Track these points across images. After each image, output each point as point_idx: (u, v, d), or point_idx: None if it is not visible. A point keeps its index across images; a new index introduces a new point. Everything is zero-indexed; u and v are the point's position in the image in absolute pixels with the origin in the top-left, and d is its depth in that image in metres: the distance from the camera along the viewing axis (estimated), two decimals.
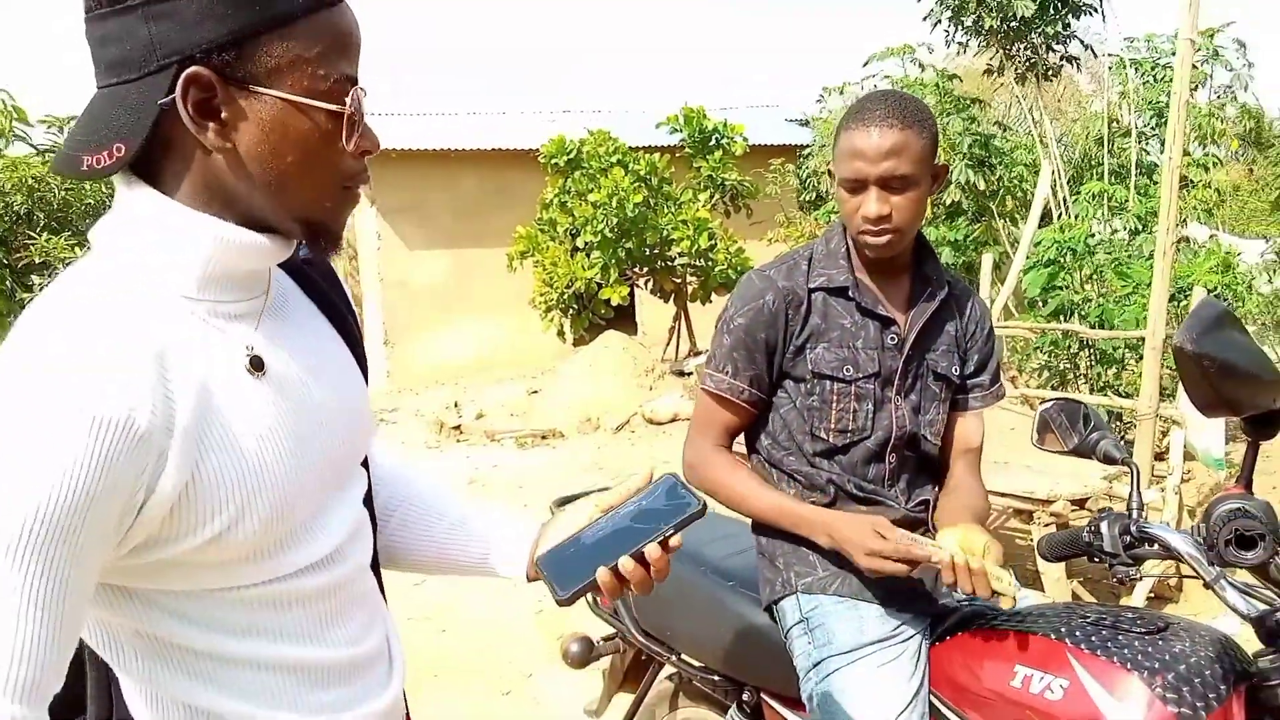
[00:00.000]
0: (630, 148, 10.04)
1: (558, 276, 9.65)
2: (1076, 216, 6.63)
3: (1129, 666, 1.36)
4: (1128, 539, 1.46)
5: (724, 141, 10.42)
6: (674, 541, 1.06)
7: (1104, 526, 1.48)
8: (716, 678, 1.97)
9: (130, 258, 0.87)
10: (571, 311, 9.91)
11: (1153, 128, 6.67)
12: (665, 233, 9.55)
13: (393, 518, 1.20)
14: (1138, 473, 1.51)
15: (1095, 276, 5.48)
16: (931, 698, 1.59)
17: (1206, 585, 1.37)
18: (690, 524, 1.06)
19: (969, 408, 1.77)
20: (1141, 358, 4.15)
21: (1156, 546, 1.45)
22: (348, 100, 0.88)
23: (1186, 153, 6.82)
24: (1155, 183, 6.79)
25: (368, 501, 1.09)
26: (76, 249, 7.02)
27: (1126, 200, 6.48)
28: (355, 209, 0.99)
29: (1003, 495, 3.66)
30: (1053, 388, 5.25)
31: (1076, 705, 1.37)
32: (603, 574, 1.03)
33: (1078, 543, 1.54)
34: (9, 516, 0.74)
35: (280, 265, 1.01)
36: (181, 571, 0.86)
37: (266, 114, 0.86)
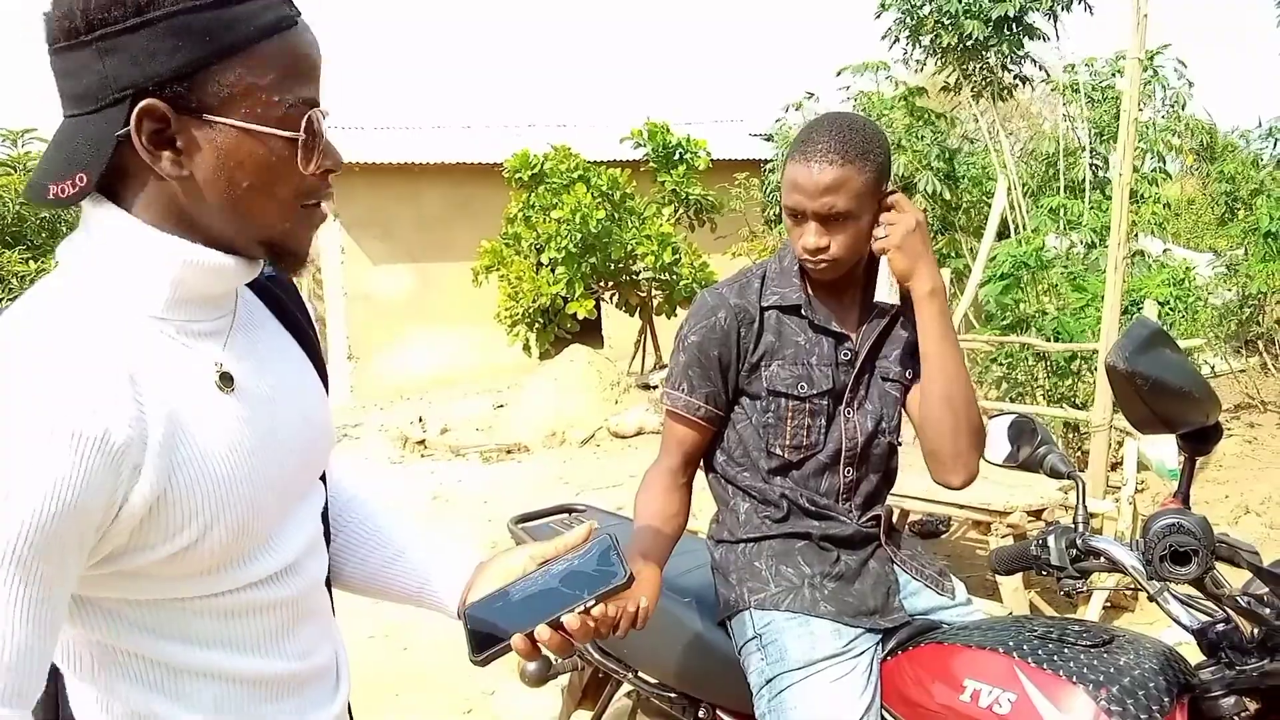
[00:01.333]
0: (594, 162, 10.06)
1: (523, 291, 9.64)
2: (1034, 231, 6.74)
3: (1074, 680, 1.37)
4: (1074, 552, 1.47)
5: (687, 156, 10.49)
6: (595, 611, 1.07)
7: (1051, 540, 1.49)
8: (673, 695, 1.96)
9: (98, 277, 0.88)
10: (537, 326, 9.89)
11: (1098, 145, 6.82)
12: (630, 247, 9.58)
13: (338, 537, 1.20)
14: (1083, 486, 1.52)
15: (1051, 290, 5.57)
16: (884, 713, 1.60)
17: (1150, 598, 1.39)
18: (613, 595, 1.06)
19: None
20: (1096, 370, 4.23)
21: (1102, 560, 1.46)
22: (302, 124, 0.89)
23: (1136, 168, 6.97)
24: (1108, 197, 6.93)
25: (325, 516, 1.10)
26: (30, 263, 6.89)
27: (1082, 215, 6.60)
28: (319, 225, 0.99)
29: (961, 507, 3.69)
30: (1010, 400, 5.32)
31: (1024, 716, 1.39)
32: (518, 640, 1.05)
33: (1026, 556, 1.55)
34: (20, 535, 0.76)
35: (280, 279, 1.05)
36: (143, 582, 0.88)
37: (221, 141, 0.87)
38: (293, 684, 1.01)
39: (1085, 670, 1.38)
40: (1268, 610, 1.20)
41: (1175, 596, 1.38)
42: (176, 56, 0.83)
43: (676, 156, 10.52)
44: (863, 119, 1.68)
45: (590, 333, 11.47)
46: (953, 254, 8.31)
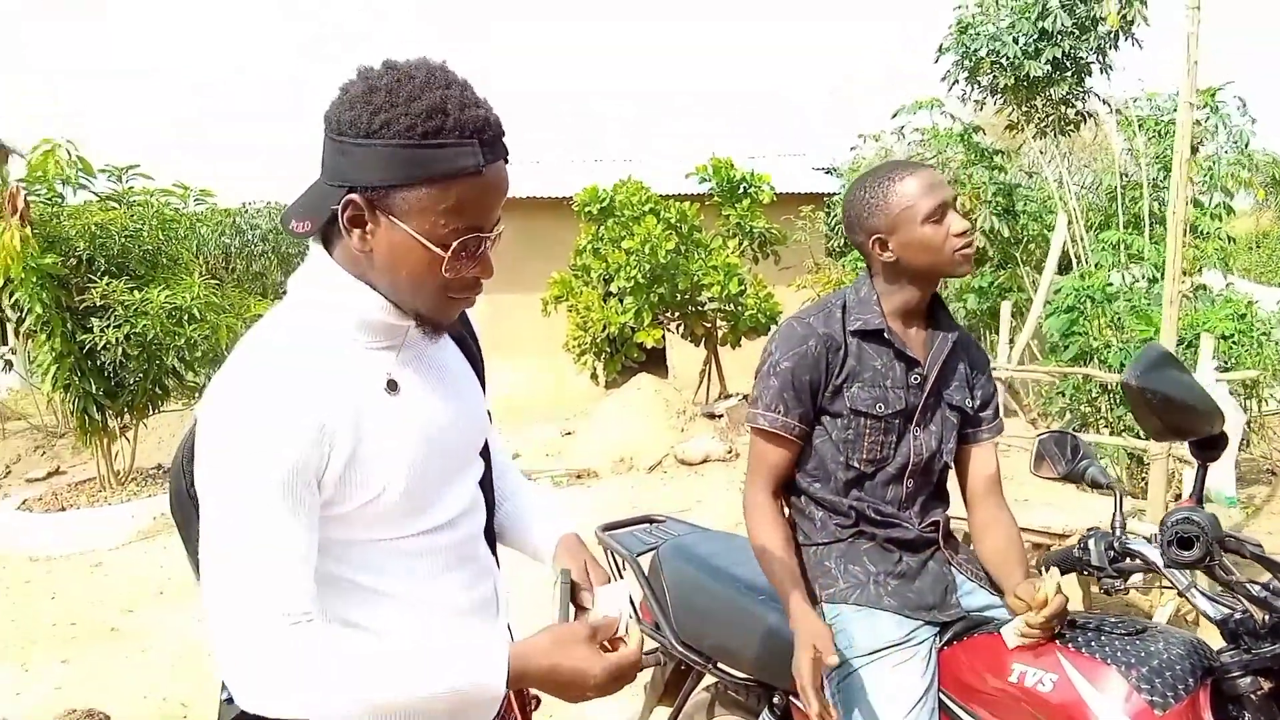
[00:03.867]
0: (661, 196, 10.35)
1: (591, 321, 9.92)
2: (1096, 265, 6.83)
3: (1109, 662, 1.57)
4: (1112, 554, 1.67)
5: (751, 190, 10.70)
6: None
7: (1091, 544, 1.69)
8: (750, 684, 2.18)
9: (312, 307, 1.25)
10: (605, 355, 10.16)
11: (1161, 180, 6.89)
12: (696, 278, 9.81)
13: (504, 506, 1.56)
14: (1120, 495, 1.72)
15: (1115, 322, 5.66)
16: (941, 695, 1.80)
17: (1180, 593, 1.58)
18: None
19: (979, 440, 1.99)
20: None
21: (1138, 560, 1.66)
22: (453, 245, 1.17)
23: (1199, 203, 7.02)
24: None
25: (485, 484, 1.42)
26: (135, 292, 7.29)
27: (1143, 249, 6.68)
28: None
29: (1024, 530, 3.84)
30: (1075, 430, 5.42)
31: (1064, 695, 1.58)
32: None
33: (1071, 559, 1.75)
34: (270, 479, 1.13)
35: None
36: (349, 527, 1.24)
37: (395, 238, 1.17)
38: (455, 610, 1.33)
39: (1119, 654, 1.57)
40: (1276, 599, 1.39)
41: (1201, 592, 1.57)
42: (381, 172, 1.14)
43: (741, 190, 10.74)
44: None
45: (656, 362, 11.71)
46: (1014, 288, 8.39)
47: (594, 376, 10.29)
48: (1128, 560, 1.66)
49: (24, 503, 7.84)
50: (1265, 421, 6.57)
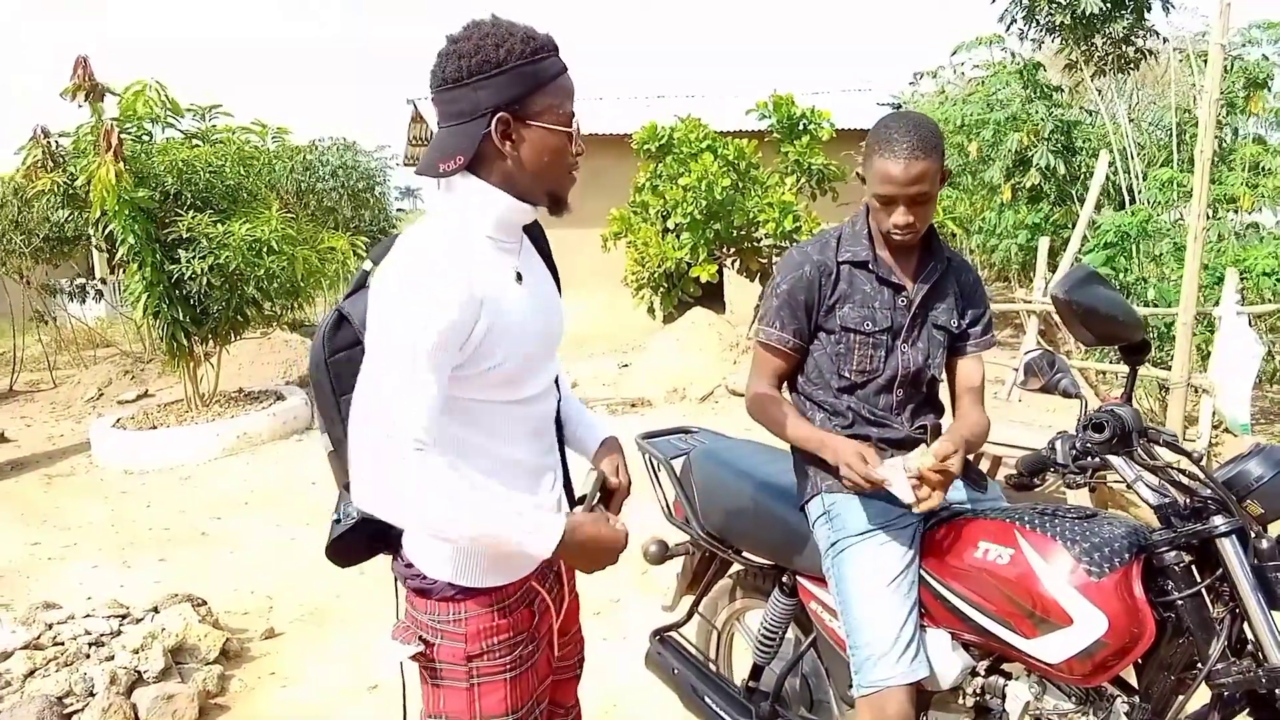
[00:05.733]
0: (720, 133, 10.45)
1: (649, 256, 10.17)
2: (1148, 202, 6.85)
3: (1057, 539, 1.83)
4: (1074, 453, 1.89)
5: (811, 127, 10.74)
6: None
7: (1058, 444, 1.92)
8: (766, 569, 2.48)
9: (459, 216, 1.58)
10: (662, 290, 10.42)
11: (1223, 116, 6.82)
12: (752, 215, 9.96)
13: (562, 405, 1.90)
14: (1085, 403, 1.95)
15: (1155, 259, 5.73)
16: (922, 572, 2.07)
17: (1128, 484, 1.82)
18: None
19: (966, 353, 2.23)
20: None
21: (1097, 459, 1.89)
22: (574, 125, 1.57)
23: (1262, 140, 6.96)
24: (1232, 169, 6.95)
25: (555, 379, 1.77)
26: (219, 225, 7.67)
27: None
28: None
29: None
30: (1111, 361, 5.55)
31: (1019, 567, 1.85)
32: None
33: (1041, 459, 1.99)
34: (429, 335, 1.44)
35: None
36: (473, 387, 1.56)
37: (535, 135, 1.54)
38: (530, 469, 1.68)
39: (1067, 533, 1.83)
40: (1189, 481, 1.63)
41: (1146, 483, 1.81)
42: (517, 88, 1.50)
43: (801, 127, 10.78)
44: (925, 116, 2.10)
45: (712, 297, 11.93)
46: (1069, 225, 8.41)
47: (651, 310, 10.58)
48: (1088, 458, 1.89)
49: (118, 421, 8.43)
50: None
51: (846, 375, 2.17)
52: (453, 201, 1.58)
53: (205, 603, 4.15)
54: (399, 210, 19.05)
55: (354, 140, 15.10)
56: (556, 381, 1.79)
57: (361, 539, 1.68)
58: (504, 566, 1.65)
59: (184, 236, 7.59)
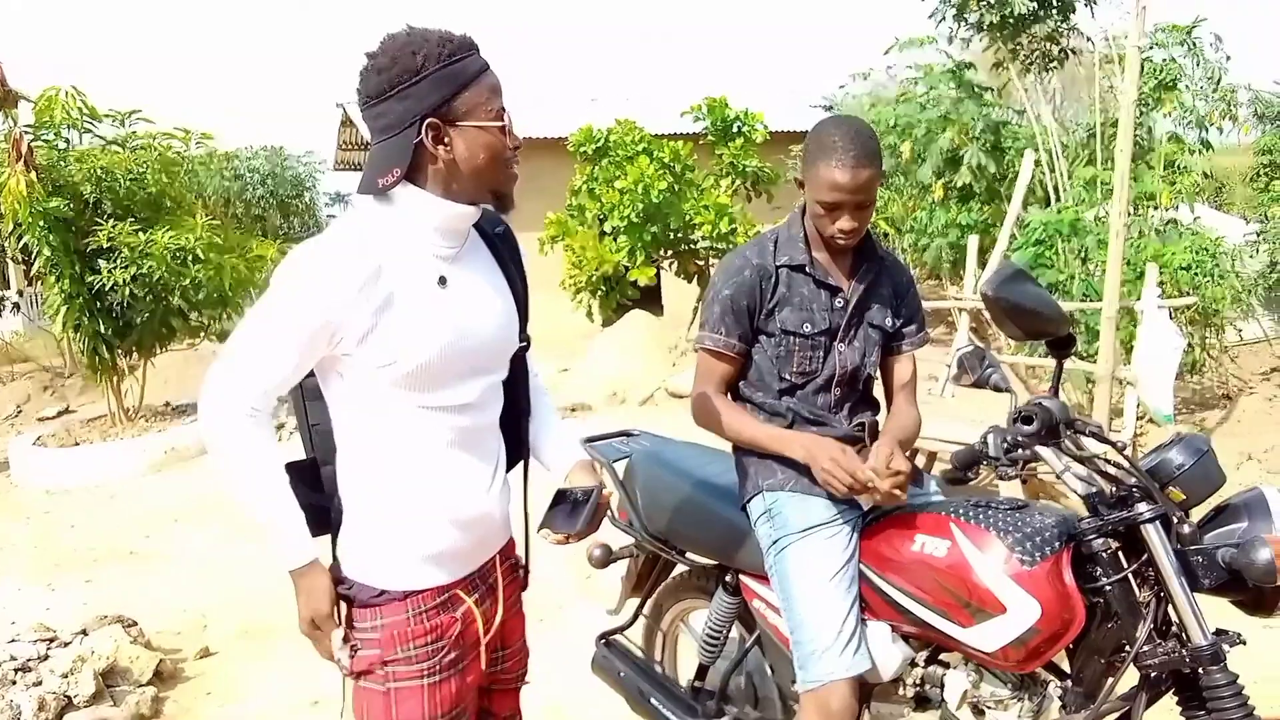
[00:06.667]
0: (655, 135, 10.47)
1: (587, 260, 10.13)
2: (1073, 200, 7.04)
3: (991, 529, 1.87)
4: (1006, 445, 1.93)
5: (745, 129, 10.81)
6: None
7: (990, 437, 1.96)
8: (709, 569, 2.49)
9: (379, 219, 1.59)
10: (600, 293, 10.38)
11: (1140, 116, 7.07)
12: (689, 217, 9.99)
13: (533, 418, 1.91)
14: (1015, 398, 2.00)
15: (1081, 255, 5.90)
16: (862, 567, 2.10)
17: (1057, 475, 1.87)
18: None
19: (901, 351, 2.27)
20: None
21: (1027, 451, 1.94)
22: (505, 118, 1.58)
23: (1178, 139, 7.20)
24: (1150, 167, 7.19)
25: (510, 385, 1.76)
26: (140, 234, 7.46)
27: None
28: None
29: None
30: (1040, 356, 5.70)
31: (954, 558, 1.89)
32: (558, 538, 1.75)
33: (975, 452, 2.03)
34: (308, 312, 1.49)
35: (482, 236, 1.74)
36: (365, 378, 1.57)
37: (467, 135, 1.55)
38: (451, 478, 1.66)
39: (1000, 524, 1.87)
40: (1115, 470, 1.68)
41: (1074, 473, 1.86)
42: (440, 92, 1.52)
43: (735, 130, 10.84)
44: (862, 122, 2.12)
45: (650, 299, 11.94)
46: (998, 223, 8.61)
47: (589, 314, 10.54)
48: (1019, 451, 1.94)
49: (38, 439, 8.16)
50: (1225, 348, 6.84)
51: (787, 377, 2.18)
52: (393, 214, 1.58)
53: (136, 623, 4.04)
54: (329, 216, 18.76)
55: (282, 146, 14.84)
56: (522, 390, 1.82)
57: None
58: (420, 571, 1.67)
59: (104, 246, 7.39)
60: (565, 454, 1.90)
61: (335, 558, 1.69)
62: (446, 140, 1.54)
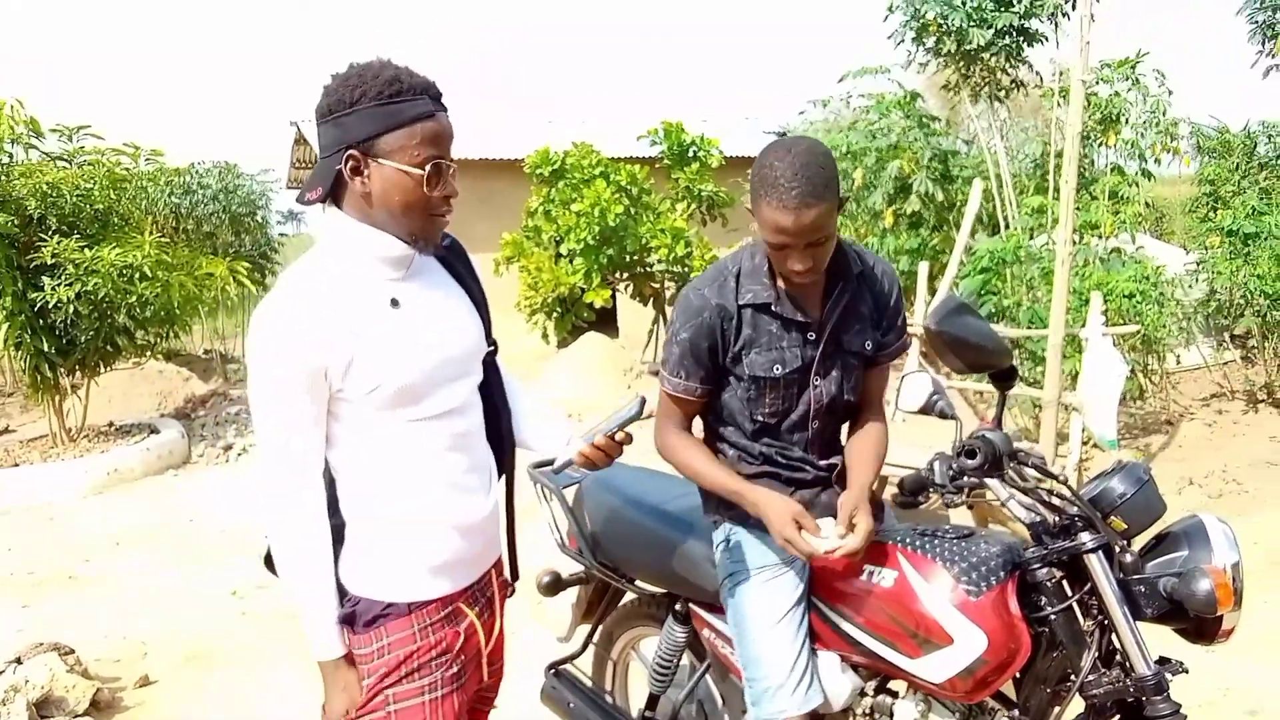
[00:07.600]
0: (612, 159, 10.52)
1: (542, 281, 10.12)
2: (1020, 228, 7.19)
3: (937, 559, 1.88)
4: (951, 473, 1.95)
5: (700, 154, 10.91)
6: (618, 435, 1.81)
7: (936, 465, 1.97)
8: (660, 597, 2.48)
9: (330, 251, 1.65)
10: (555, 315, 10.37)
11: (1084, 148, 7.24)
12: (645, 240, 10.04)
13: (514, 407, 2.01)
14: (961, 425, 2.02)
15: (1028, 283, 6.02)
16: (815, 600, 2.10)
17: (1001, 504, 1.89)
18: (629, 423, 1.78)
19: (879, 363, 2.13)
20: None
21: (970, 478, 1.95)
22: (427, 168, 1.58)
23: (1120, 170, 7.39)
24: (1094, 197, 7.36)
25: (485, 389, 1.83)
26: (86, 250, 7.31)
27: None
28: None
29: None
30: (987, 382, 5.77)
31: (901, 588, 1.90)
32: (570, 453, 1.85)
33: (922, 480, 2.04)
34: (290, 380, 1.56)
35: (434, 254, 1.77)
36: (358, 405, 1.63)
37: (386, 175, 1.58)
38: (449, 484, 1.73)
39: (947, 554, 1.89)
40: (1058, 500, 1.71)
41: (1019, 502, 1.88)
42: (367, 128, 1.56)
43: (690, 154, 10.94)
44: (814, 144, 1.88)
45: (606, 321, 11.94)
46: (947, 250, 8.75)
47: (545, 336, 10.52)
48: (964, 478, 1.95)
49: None
50: (1167, 374, 7.01)
51: (759, 419, 2.07)
52: (324, 232, 1.65)
53: (73, 651, 3.91)
54: (281, 235, 18.50)
55: (235, 163, 14.63)
56: (498, 392, 1.89)
57: None
58: (425, 582, 1.72)
59: (48, 263, 7.22)
60: (556, 430, 2.00)
61: (338, 577, 1.72)
62: (365, 173, 1.59)
